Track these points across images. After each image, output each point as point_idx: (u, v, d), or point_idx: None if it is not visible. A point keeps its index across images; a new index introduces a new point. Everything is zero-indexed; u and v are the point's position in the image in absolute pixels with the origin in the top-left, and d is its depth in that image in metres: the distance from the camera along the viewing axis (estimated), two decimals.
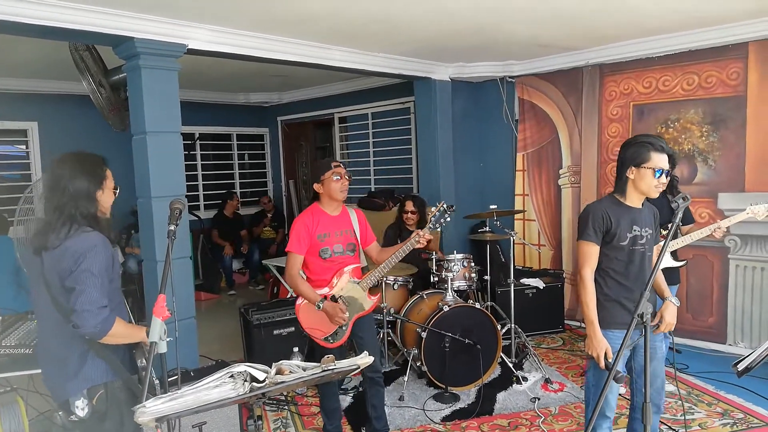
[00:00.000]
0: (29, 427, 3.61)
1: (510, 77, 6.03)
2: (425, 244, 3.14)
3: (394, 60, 5.36)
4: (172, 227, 2.07)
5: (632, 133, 5.25)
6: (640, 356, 2.61)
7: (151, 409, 1.52)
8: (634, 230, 2.60)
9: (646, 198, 2.66)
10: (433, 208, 3.18)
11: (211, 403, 1.57)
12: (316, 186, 3.25)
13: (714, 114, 4.79)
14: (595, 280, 2.61)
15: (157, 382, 2.33)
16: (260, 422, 1.82)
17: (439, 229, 3.19)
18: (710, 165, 4.85)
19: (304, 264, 3.23)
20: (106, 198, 2.28)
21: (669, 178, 3.53)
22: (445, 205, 3.14)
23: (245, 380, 1.61)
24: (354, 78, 6.85)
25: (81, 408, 2.18)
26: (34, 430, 3.67)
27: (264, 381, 1.61)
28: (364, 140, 7.54)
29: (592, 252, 2.59)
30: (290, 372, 1.65)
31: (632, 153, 2.57)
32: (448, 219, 3.13)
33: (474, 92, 6.33)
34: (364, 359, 1.72)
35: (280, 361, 1.66)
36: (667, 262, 3.82)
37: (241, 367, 1.61)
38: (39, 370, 2.69)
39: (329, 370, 1.65)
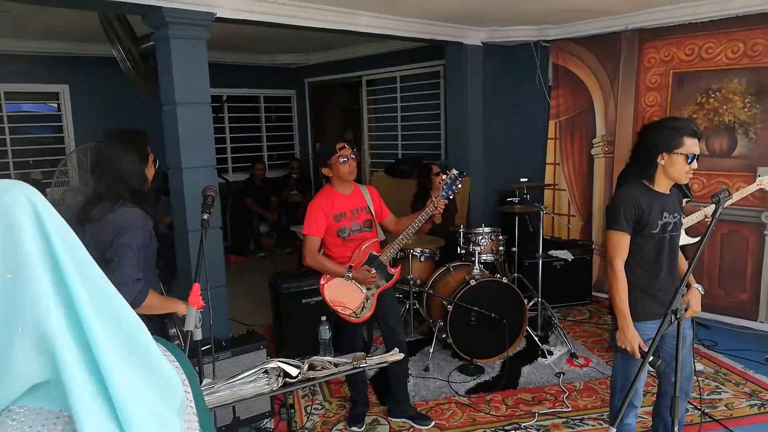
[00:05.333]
0: None
1: (544, 42, 5.83)
2: (442, 211, 3.14)
3: (423, 24, 5.21)
4: (206, 216, 2.09)
5: (671, 102, 5.07)
6: (669, 345, 2.59)
7: None
8: (665, 217, 2.53)
9: None
10: (444, 176, 3.14)
11: (246, 398, 1.61)
12: (324, 170, 3.22)
13: (759, 84, 4.58)
14: (624, 271, 2.56)
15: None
16: (293, 411, 1.87)
17: (451, 197, 3.16)
18: (751, 138, 4.67)
19: (323, 245, 3.25)
20: (150, 172, 2.35)
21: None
22: (455, 172, 3.10)
23: (279, 376, 1.64)
24: (382, 39, 6.70)
25: None
26: None
27: (297, 376, 1.65)
28: (392, 104, 7.43)
29: (623, 242, 2.53)
30: (322, 368, 1.68)
31: (664, 137, 2.47)
32: (460, 186, 3.11)
33: (506, 57, 6.15)
34: (395, 356, 1.74)
35: (313, 357, 1.69)
36: (683, 239, 3.73)
37: (275, 363, 1.65)
38: None
39: (360, 366, 1.68)
